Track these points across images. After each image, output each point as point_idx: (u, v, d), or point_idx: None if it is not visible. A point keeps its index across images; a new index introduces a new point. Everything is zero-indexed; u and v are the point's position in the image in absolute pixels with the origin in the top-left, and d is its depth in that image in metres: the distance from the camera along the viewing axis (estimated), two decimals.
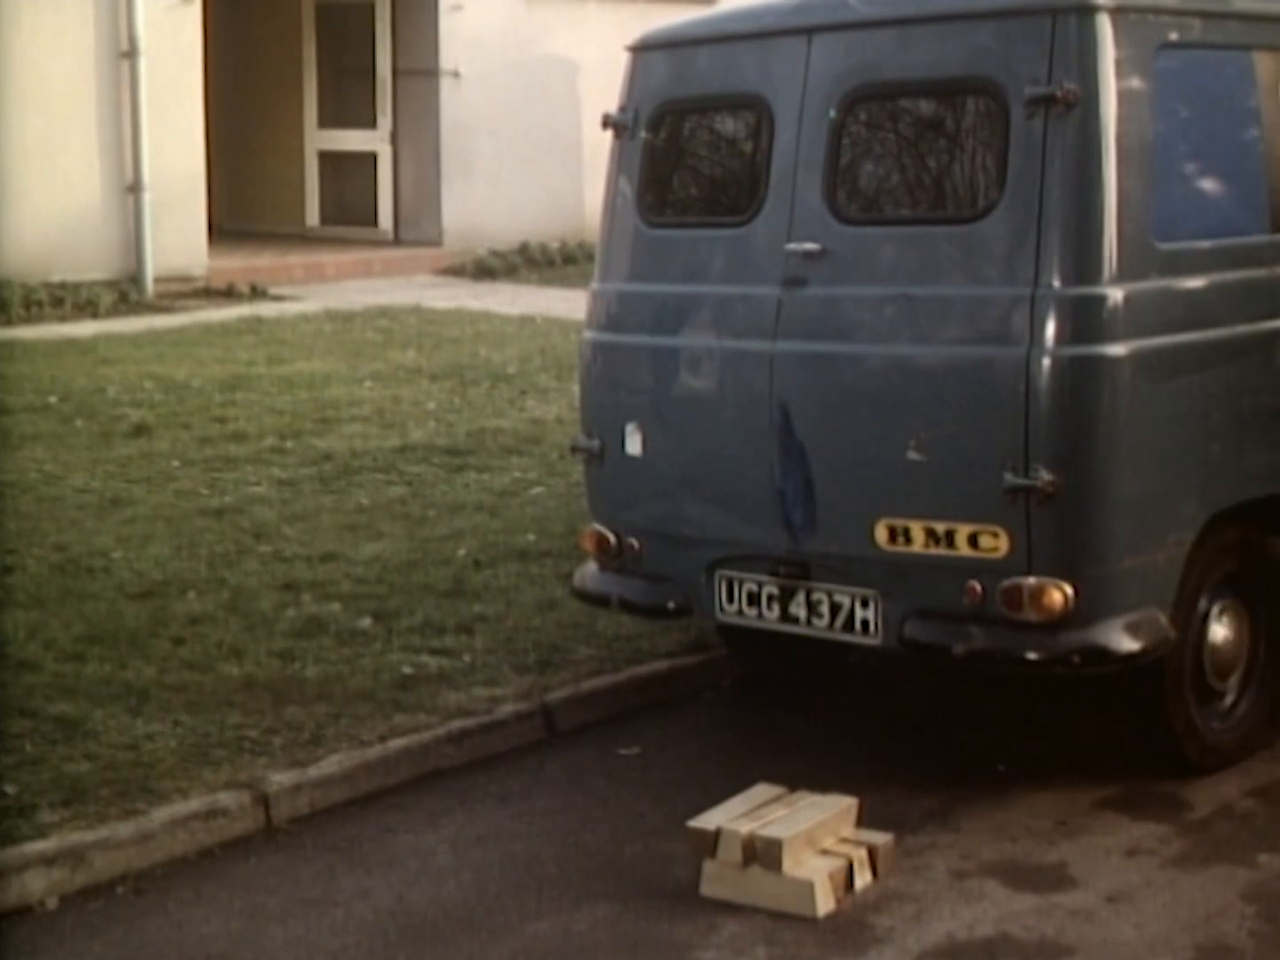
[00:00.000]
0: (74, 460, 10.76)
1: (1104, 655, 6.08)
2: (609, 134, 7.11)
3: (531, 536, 8.99)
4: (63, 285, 16.04)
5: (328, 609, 8.01)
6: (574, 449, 7.09)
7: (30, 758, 6.38)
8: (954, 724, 7.19)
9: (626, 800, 6.50)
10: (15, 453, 10.85)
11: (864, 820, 5.90)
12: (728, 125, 7.06)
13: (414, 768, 6.63)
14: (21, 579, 8.28)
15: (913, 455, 6.14)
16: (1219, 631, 6.58)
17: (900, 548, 6.21)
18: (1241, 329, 6.48)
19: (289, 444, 11.24)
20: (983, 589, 6.07)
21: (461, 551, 8.69)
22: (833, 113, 6.42)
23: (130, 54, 18.01)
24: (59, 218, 16.94)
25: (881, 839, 5.84)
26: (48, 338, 15.18)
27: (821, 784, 6.02)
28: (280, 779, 6.35)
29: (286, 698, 6.98)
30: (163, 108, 18.18)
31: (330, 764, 6.48)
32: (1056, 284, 5.96)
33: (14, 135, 16.49)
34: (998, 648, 6.14)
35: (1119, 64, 6.02)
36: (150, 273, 17.82)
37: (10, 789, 6.12)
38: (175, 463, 10.75)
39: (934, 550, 6.14)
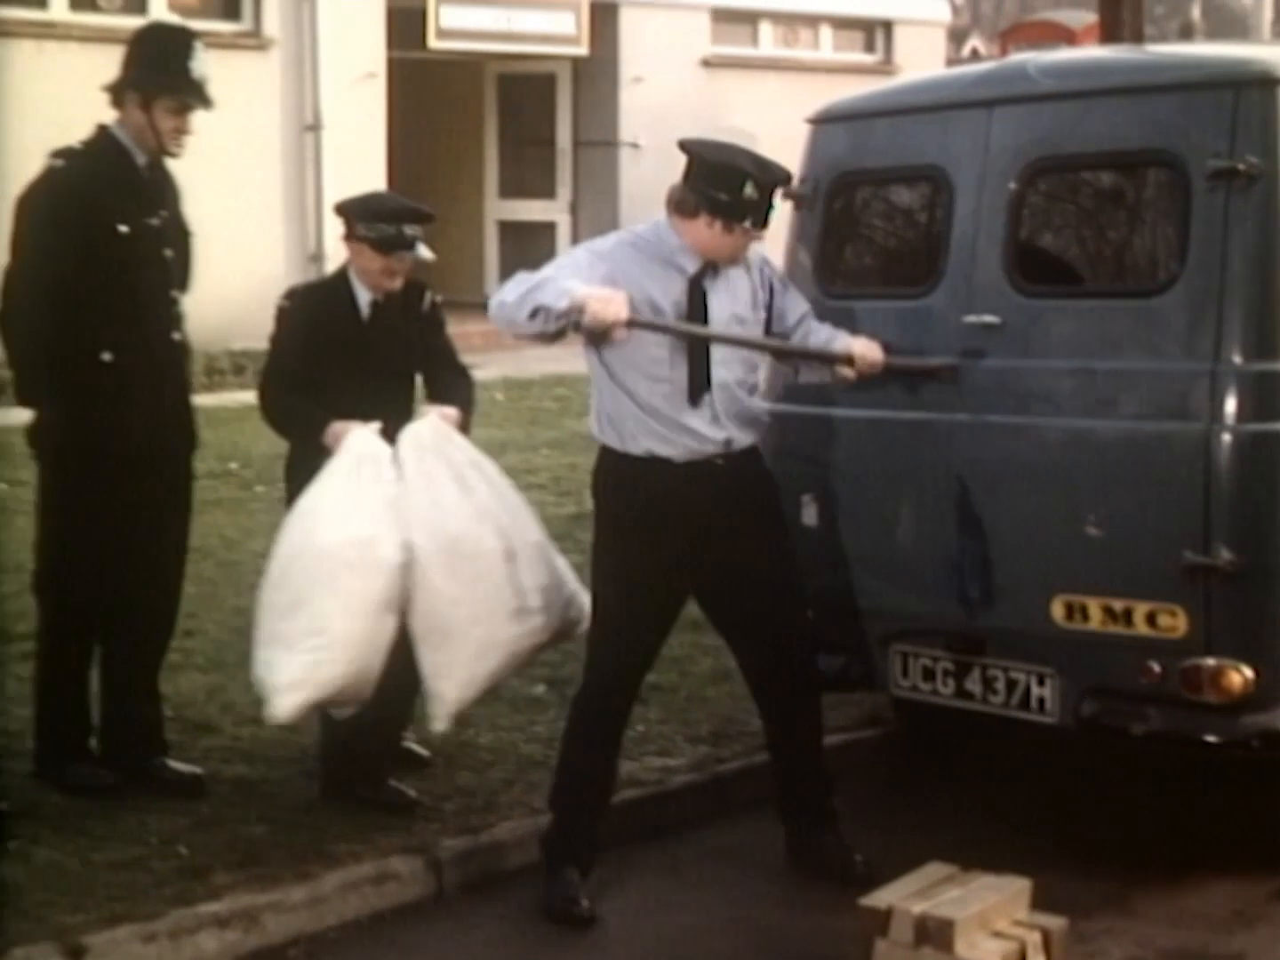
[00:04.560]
0: (253, 525, 10.88)
1: None
2: (787, 205, 7.13)
3: None
4: (245, 353, 16.28)
5: None
6: None
7: (205, 819, 6.45)
8: (1129, 805, 7.07)
9: (797, 875, 6.45)
10: (197, 518, 10.88)
11: (1038, 903, 5.80)
12: (906, 197, 7.06)
13: None
14: (202, 642, 8.38)
15: (1091, 531, 6.08)
16: None
17: (1077, 625, 6.14)
18: None
19: None
20: (1161, 669, 5.98)
21: None
22: (1013, 185, 6.39)
23: (314, 127, 18.35)
24: (242, 287, 17.18)
25: (1055, 923, 5.73)
26: (229, 405, 15.39)
27: (995, 864, 5.92)
28: (452, 845, 6.36)
29: (460, 764, 7.00)
30: (345, 179, 18.42)
31: (502, 831, 6.48)
32: (1237, 360, 5.88)
33: (198, 206, 16.77)
34: (1176, 729, 6.04)
35: None
36: None
37: (184, 850, 6.18)
38: None
39: (1111, 628, 6.06)
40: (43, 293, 6.44)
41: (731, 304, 6.21)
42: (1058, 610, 6.17)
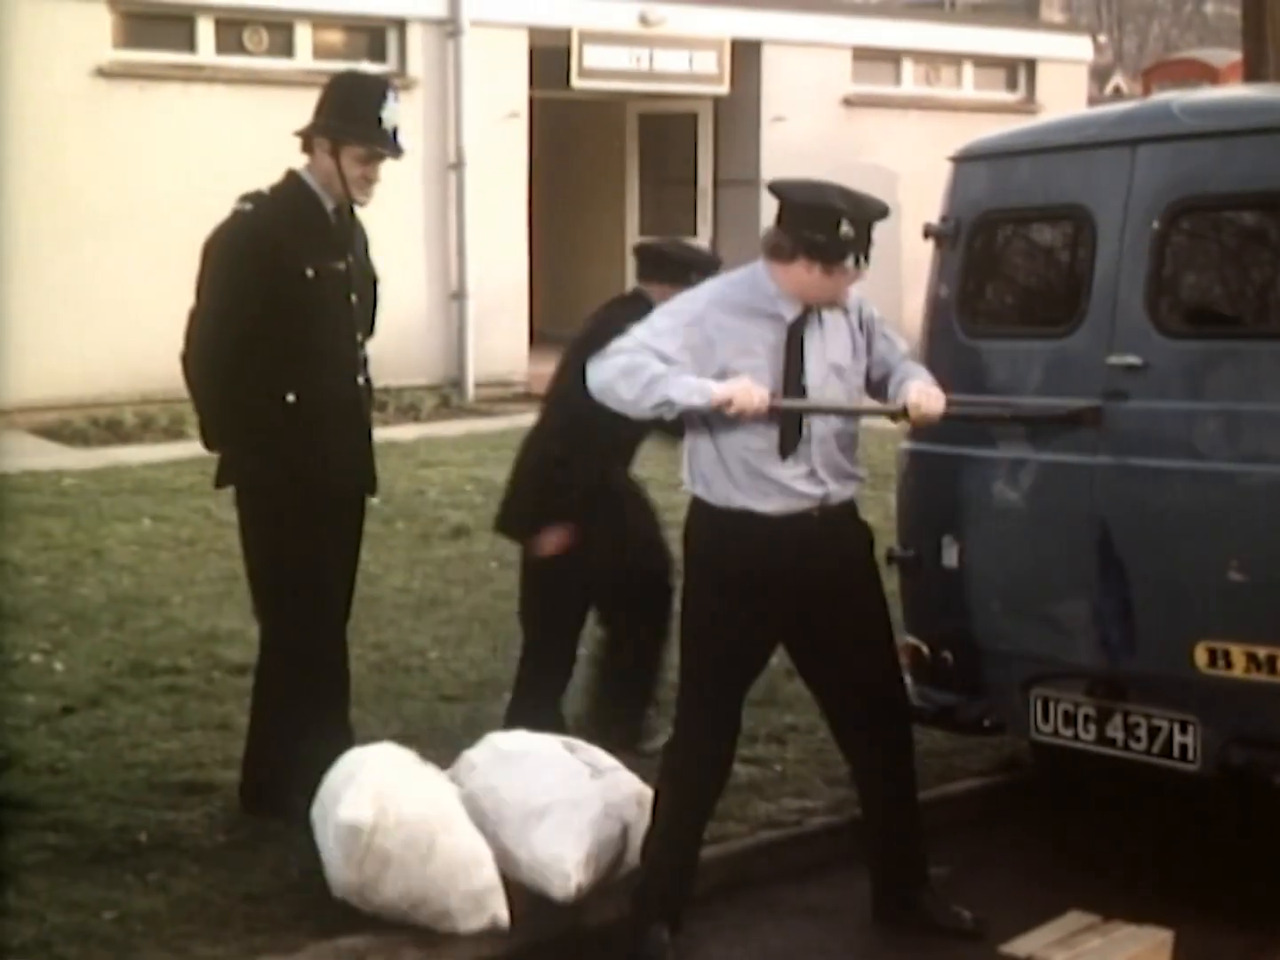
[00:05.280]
0: (394, 561, 10.97)
1: None
2: (928, 244, 7.11)
3: None
4: (386, 390, 16.36)
5: None
6: (890, 559, 7.02)
7: None
8: (1270, 856, 6.94)
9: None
10: None
11: (1179, 955, 5.72)
12: (1048, 236, 7.02)
13: (721, 877, 6.59)
14: None
15: (1234, 576, 6.00)
16: None
17: (1220, 671, 6.06)
18: None
19: None
20: None
21: (774, 660, 8.67)
22: (1156, 225, 6.34)
23: (457, 166, 18.49)
24: (384, 324, 17.27)
25: None
26: None
27: (1136, 913, 5.86)
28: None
29: None
30: (488, 217, 18.60)
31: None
32: None
33: None
34: None
35: None
36: (471, 377, 18.19)
37: (324, 883, 6.22)
38: (493, 564, 10.88)
39: (1255, 676, 5.98)
40: (227, 335, 6.49)
41: (830, 352, 6.04)
42: (1200, 657, 6.10)
